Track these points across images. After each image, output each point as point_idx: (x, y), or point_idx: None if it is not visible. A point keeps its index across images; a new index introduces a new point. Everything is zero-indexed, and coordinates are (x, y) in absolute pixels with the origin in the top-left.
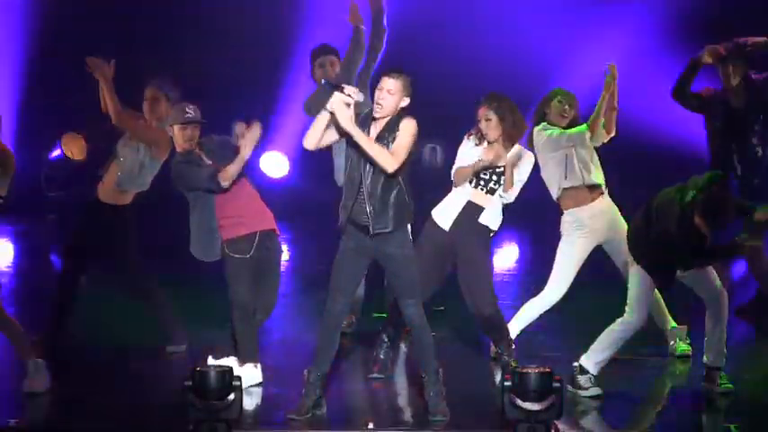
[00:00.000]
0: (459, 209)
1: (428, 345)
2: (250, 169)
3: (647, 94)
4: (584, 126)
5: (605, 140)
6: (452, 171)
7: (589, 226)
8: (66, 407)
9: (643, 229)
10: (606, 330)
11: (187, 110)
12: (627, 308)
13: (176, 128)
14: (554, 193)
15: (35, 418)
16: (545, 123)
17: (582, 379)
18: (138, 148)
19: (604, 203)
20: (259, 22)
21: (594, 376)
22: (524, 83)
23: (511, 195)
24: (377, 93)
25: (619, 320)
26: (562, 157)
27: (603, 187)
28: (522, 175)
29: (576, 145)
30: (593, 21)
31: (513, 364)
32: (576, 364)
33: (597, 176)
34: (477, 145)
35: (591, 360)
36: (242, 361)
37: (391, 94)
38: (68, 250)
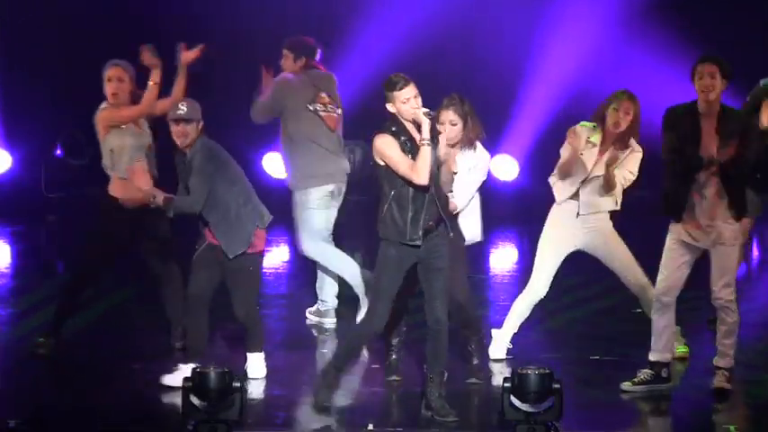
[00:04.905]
0: None
1: (445, 348)
2: (252, 168)
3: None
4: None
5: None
6: None
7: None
8: (65, 407)
9: None
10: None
11: (180, 106)
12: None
13: (170, 123)
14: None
15: (35, 418)
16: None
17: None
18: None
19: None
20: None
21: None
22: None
23: (460, 198)
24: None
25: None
26: None
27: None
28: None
29: None
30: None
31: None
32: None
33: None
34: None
35: None
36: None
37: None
38: (90, 252)
